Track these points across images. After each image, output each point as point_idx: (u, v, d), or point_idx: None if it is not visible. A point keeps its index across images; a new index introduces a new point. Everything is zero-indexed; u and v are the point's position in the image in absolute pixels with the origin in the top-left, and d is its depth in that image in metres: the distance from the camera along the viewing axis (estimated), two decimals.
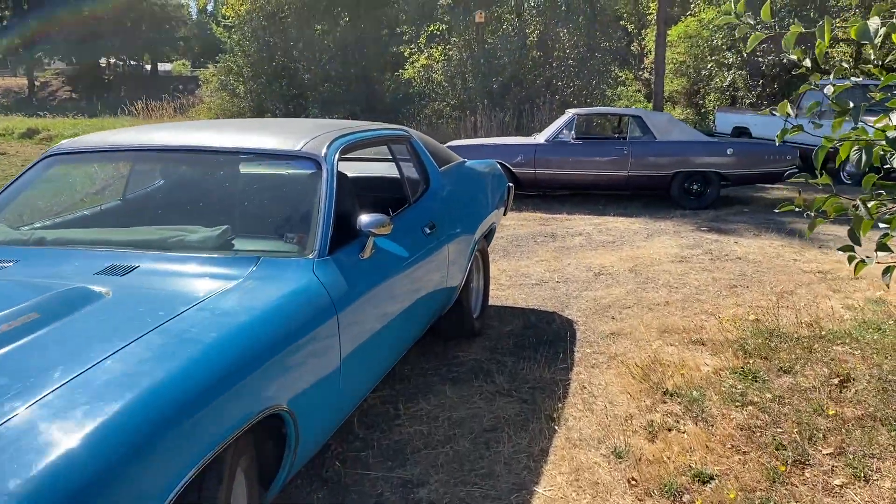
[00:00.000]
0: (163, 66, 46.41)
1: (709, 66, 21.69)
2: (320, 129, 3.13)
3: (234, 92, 25.29)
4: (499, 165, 5.13)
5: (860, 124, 2.48)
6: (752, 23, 2.45)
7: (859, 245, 2.40)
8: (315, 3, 22.48)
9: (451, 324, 4.12)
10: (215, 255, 2.49)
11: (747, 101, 19.67)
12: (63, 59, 39.19)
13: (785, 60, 18.16)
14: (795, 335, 4.30)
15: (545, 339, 4.36)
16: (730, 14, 2.45)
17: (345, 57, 23.09)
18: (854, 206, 2.29)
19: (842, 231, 7.01)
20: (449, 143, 9.77)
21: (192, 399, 1.71)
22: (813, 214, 2.39)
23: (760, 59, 18.64)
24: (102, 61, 40.50)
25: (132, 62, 41.44)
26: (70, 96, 36.90)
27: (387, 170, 4.18)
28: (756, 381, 3.69)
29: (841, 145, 2.43)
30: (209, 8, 44.21)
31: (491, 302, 5.06)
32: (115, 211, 3.31)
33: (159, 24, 39.15)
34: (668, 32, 21.23)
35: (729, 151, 8.75)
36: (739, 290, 5.40)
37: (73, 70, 38.91)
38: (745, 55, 19.10)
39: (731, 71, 20.09)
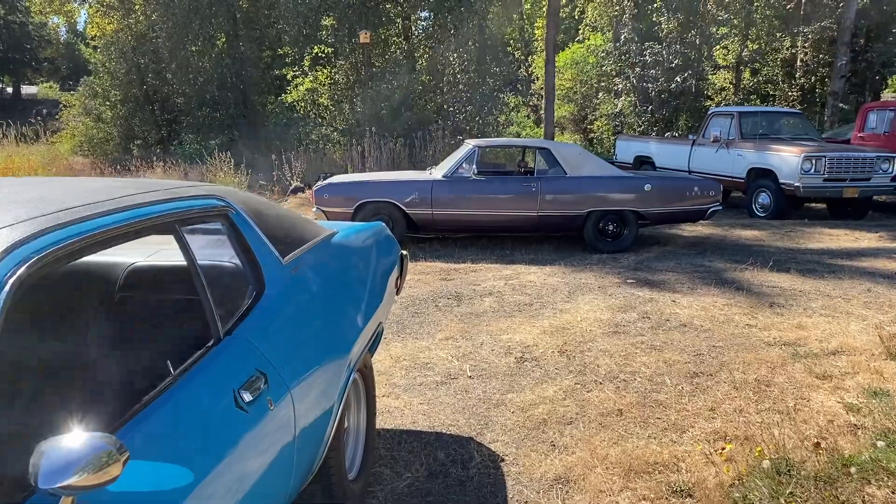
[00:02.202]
0: (28, 89, 42.01)
1: (599, 93, 21.11)
2: (14, 206, 1.46)
3: (99, 117, 22.53)
4: (387, 229, 3.53)
5: None
6: None
7: None
8: (188, 22, 20.17)
9: (314, 501, 2.48)
10: None
11: (637, 128, 19.10)
12: None
13: (673, 87, 17.66)
14: (811, 471, 2.95)
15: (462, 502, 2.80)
16: None
17: (222, 80, 20.90)
18: None
19: (784, 280, 5.82)
20: (331, 180, 8.12)
21: None
22: None
23: (650, 85, 18.09)
24: None
25: None
26: None
27: (210, 249, 2.48)
28: None
29: None
30: (80, 27, 40.50)
31: (382, 420, 3.47)
32: None
33: (19, 43, 35.11)
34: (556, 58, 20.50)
35: (647, 187, 7.56)
36: (702, 380, 4.05)
37: None
38: (634, 82, 18.52)
39: (621, 98, 19.49)
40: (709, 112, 11.43)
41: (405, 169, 12.49)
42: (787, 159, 9.39)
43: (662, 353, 4.46)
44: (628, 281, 6.31)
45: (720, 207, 7.82)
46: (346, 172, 12.56)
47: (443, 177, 7.67)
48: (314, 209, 7.72)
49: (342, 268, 2.68)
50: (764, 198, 9.75)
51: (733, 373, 4.14)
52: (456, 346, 4.64)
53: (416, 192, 7.59)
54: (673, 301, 5.62)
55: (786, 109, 12.01)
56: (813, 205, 10.82)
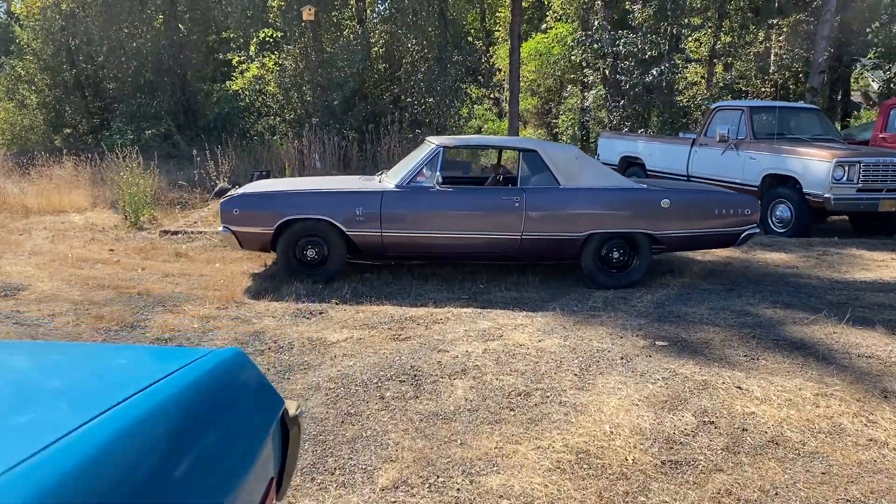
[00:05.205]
0: None
1: (567, 86, 19.14)
2: None
3: (23, 102, 19.67)
4: (246, 366, 1.40)
5: None
6: None
7: None
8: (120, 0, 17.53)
9: None
10: None
11: (608, 124, 17.19)
12: None
13: (649, 79, 15.78)
14: None
15: None
16: None
17: (158, 64, 18.26)
18: None
19: (875, 343, 3.77)
20: (245, 188, 5.91)
21: None
22: None
23: (623, 77, 16.19)
24: None
25: None
26: None
27: None
28: None
29: None
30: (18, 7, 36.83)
31: None
32: None
33: None
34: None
35: (665, 203, 5.55)
36: None
37: None
38: (606, 73, 16.58)
39: (591, 91, 17.55)
40: (713, 107, 9.46)
41: (355, 168, 10.30)
42: (812, 165, 7.50)
43: None
44: (657, 343, 4.28)
45: (757, 230, 5.87)
46: (286, 171, 10.33)
47: (396, 186, 5.54)
48: (220, 229, 5.51)
49: None
50: (783, 210, 7.84)
51: None
52: None
53: (362, 206, 5.45)
54: (738, 388, 3.59)
55: (803, 105, 10.15)
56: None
